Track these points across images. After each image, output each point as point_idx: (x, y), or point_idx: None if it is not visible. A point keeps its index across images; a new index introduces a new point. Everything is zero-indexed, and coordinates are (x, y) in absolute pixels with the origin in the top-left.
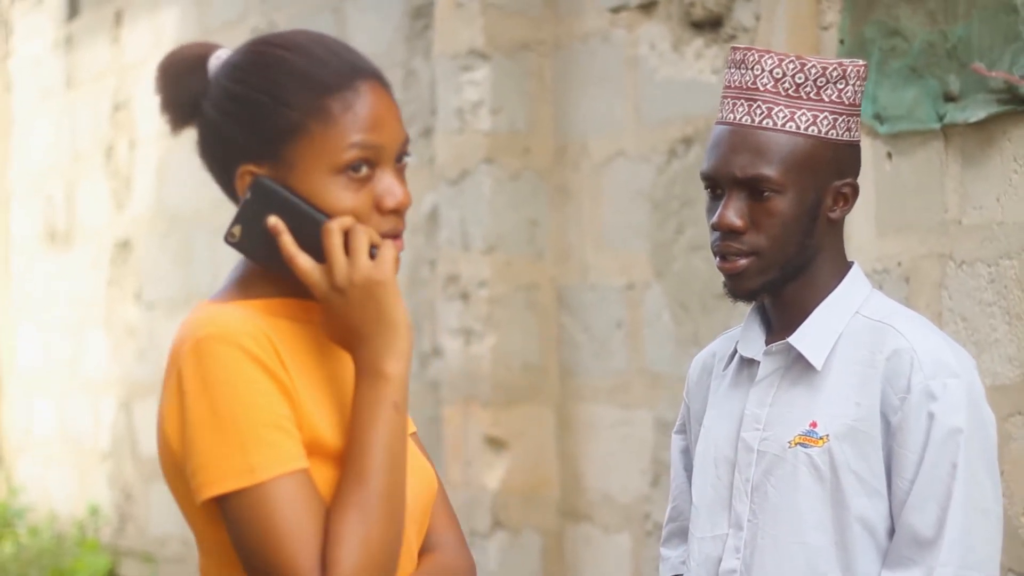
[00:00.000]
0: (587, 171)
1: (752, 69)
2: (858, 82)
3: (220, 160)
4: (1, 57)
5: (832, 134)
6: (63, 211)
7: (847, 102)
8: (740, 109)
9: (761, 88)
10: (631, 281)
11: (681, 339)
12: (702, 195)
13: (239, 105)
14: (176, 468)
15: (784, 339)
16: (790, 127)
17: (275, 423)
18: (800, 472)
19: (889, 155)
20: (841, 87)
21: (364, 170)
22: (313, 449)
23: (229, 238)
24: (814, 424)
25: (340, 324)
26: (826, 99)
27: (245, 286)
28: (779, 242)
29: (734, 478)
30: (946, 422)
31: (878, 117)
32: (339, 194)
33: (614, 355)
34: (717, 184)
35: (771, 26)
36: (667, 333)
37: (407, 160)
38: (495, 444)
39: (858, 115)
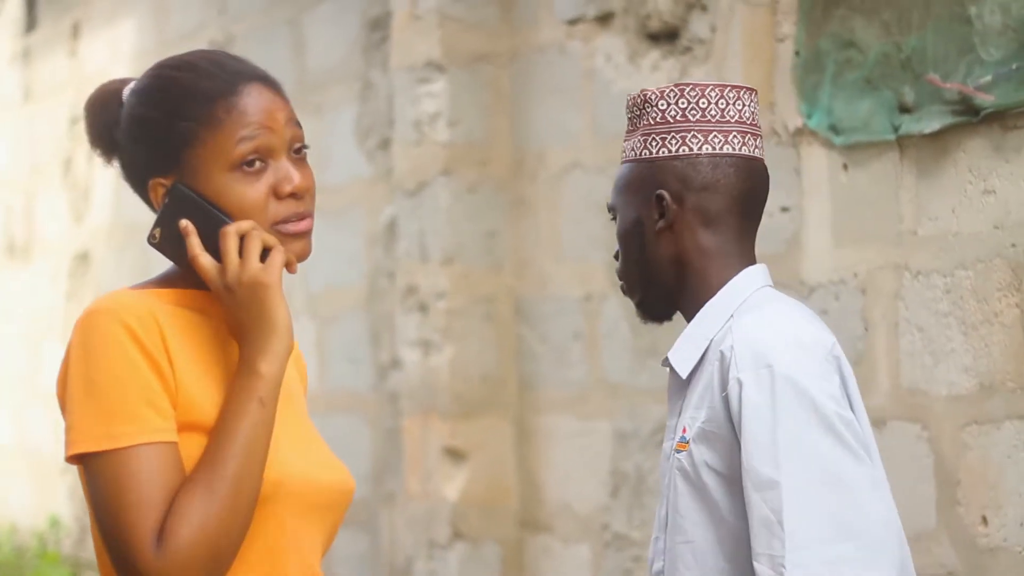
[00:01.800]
0: (544, 182)
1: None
2: (662, 102)
3: (136, 179)
4: None
5: (645, 153)
6: (22, 224)
7: (656, 121)
8: None
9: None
10: (589, 292)
11: (639, 350)
12: None
13: (140, 126)
14: None
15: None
16: (623, 158)
17: (143, 396)
18: (677, 476)
19: (845, 166)
20: (648, 110)
21: (257, 164)
22: (195, 426)
23: (151, 239)
24: (684, 430)
25: (230, 320)
26: (641, 125)
27: (167, 279)
28: (624, 262)
29: (662, 484)
30: (756, 407)
31: (833, 128)
32: (237, 188)
33: (572, 366)
34: None
35: (727, 38)
36: (625, 344)
37: (304, 151)
38: (454, 455)
39: (681, 129)
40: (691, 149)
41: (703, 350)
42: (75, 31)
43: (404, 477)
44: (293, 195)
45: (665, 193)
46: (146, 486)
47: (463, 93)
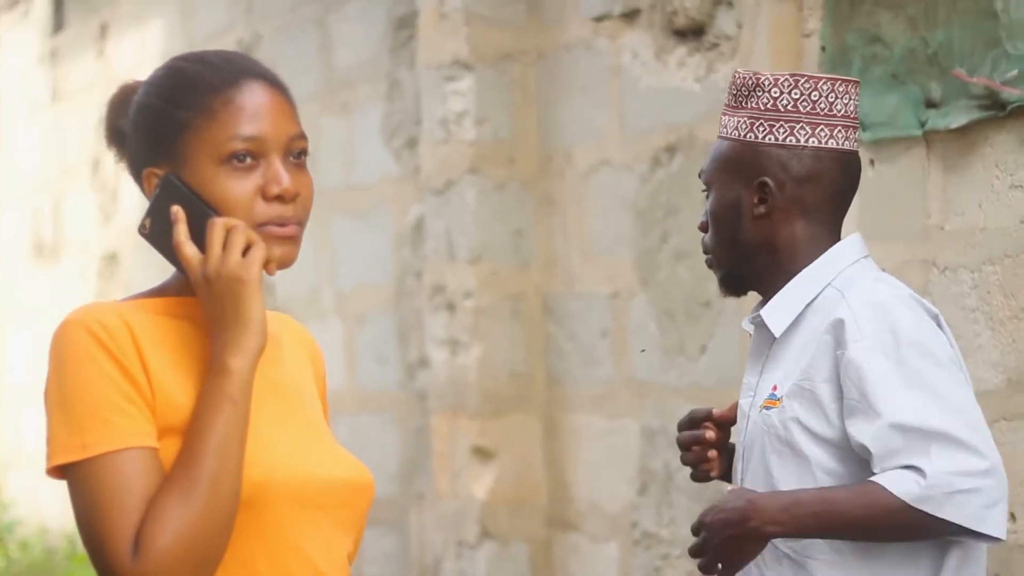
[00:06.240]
0: (572, 180)
1: (729, 87)
2: (775, 90)
3: (135, 171)
4: None
5: (751, 136)
6: (51, 224)
7: (766, 107)
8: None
9: (724, 102)
10: (616, 290)
11: (667, 347)
12: (686, 203)
13: (141, 114)
14: None
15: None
16: (723, 133)
17: (113, 403)
18: (767, 433)
19: (872, 162)
20: (759, 94)
21: (248, 160)
22: (178, 430)
23: (141, 229)
24: (775, 388)
25: (206, 315)
26: (749, 106)
27: (159, 288)
28: (714, 238)
29: (737, 441)
30: (884, 373)
31: (860, 124)
32: (224, 183)
33: (600, 364)
34: None
35: (753, 34)
36: (653, 341)
37: (304, 157)
38: (482, 454)
39: (791, 119)
40: (798, 140)
41: (798, 313)
42: (103, 32)
43: (433, 476)
44: (280, 198)
45: (769, 181)
46: (121, 493)
47: (490, 91)
